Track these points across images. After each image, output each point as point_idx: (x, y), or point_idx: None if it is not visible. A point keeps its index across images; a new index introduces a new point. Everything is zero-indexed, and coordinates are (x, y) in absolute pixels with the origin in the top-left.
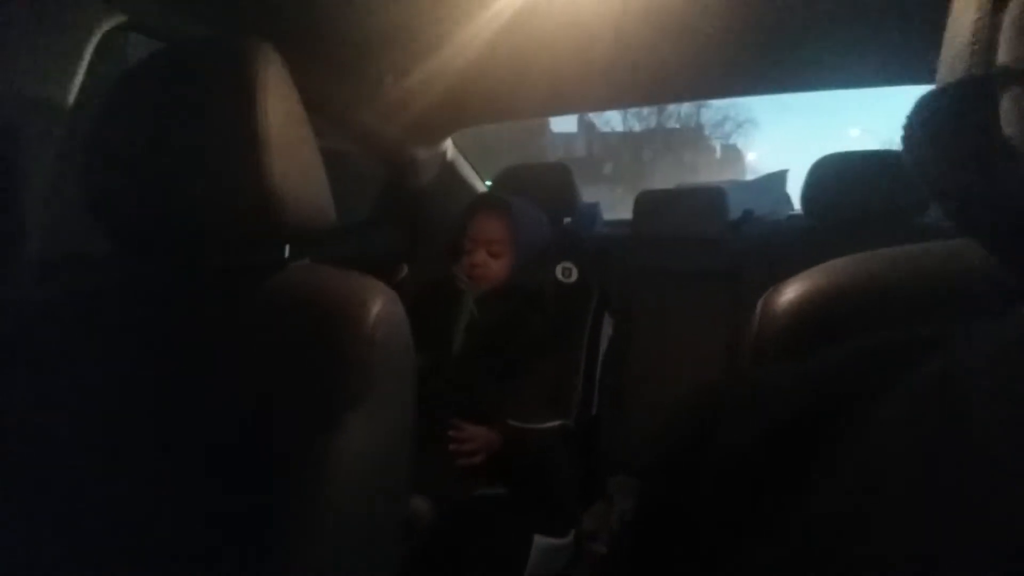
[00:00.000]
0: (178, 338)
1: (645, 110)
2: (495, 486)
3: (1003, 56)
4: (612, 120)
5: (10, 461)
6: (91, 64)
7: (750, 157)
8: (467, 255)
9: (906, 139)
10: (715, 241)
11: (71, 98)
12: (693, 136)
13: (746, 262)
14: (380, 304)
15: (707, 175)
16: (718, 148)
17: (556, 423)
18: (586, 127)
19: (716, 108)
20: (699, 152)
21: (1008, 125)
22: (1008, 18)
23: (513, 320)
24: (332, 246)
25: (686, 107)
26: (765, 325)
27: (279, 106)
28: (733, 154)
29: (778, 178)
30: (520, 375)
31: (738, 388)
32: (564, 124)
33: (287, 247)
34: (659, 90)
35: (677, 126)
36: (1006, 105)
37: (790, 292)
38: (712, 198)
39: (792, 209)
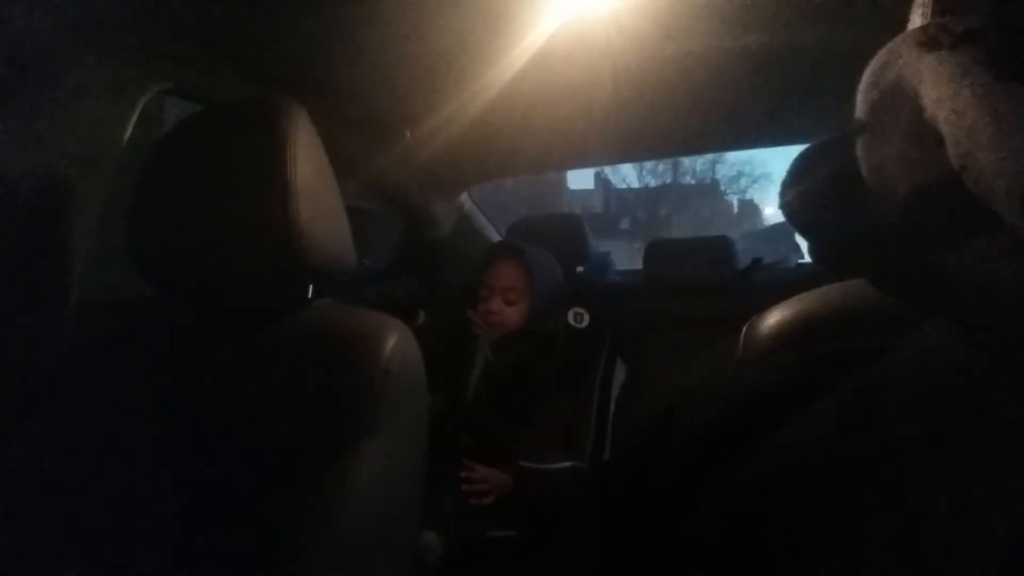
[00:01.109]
0: (207, 371)
1: (660, 166)
2: (506, 528)
3: (857, 112)
4: (628, 176)
5: (44, 493)
6: (135, 123)
7: (767, 211)
8: (483, 302)
9: (782, 198)
10: (725, 289)
11: (116, 154)
12: (709, 191)
13: (755, 309)
14: (395, 338)
15: (724, 230)
16: (735, 203)
17: (567, 464)
18: (602, 183)
19: (731, 164)
20: (715, 207)
21: (864, 170)
22: (861, 83)
23: (526, 364)
24: (355, 292)
25: (701, 163)
26: (748, 346)
27: (307, 159)
28: (750, 209)
29: (787, 227)
30: (533, 417)
31: (702, 388)
32: (581, 181)
33: (311, 288)
34: (673, 143)
35: (692, 182)
36: (861, 153)
37: (770, 319)
38: (721, 247)
39: (801, 257)
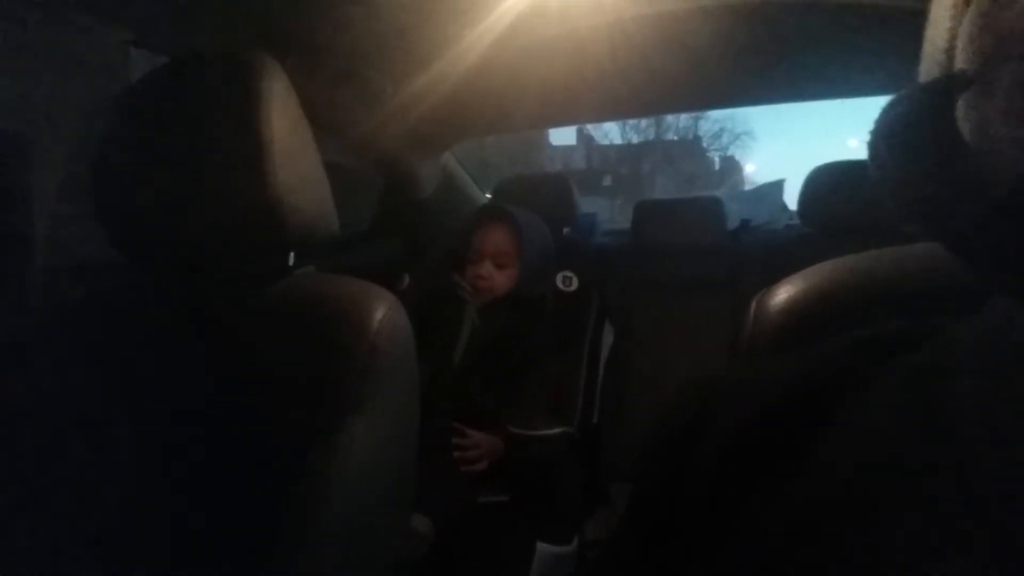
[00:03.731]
0: (183, 344)
1: (643, 123)
2: (497, 493)
3: (959, 62)
4: (611, 132)
5: (13, 466)
6: (97, 77)
7: (748, 169)
8: (472, 266)
9: (871, 147)
10: (713, 250)
11: (78, 110)
12: (691, 148)
13: (744, 270)
14: (384, 310)
15: (706, 187)
16: (716, 160)
17: (558, 430)
18: (585, 140)
19: (713, 120)
20: (697, 164)
21: (966, 129)
22: (963, 26)
23: (515, 328)
24: (335, 256)
25: (684, 120)
26: (759, 324)
27: (283, 117)
28: (731, 166)
29: (775, 188)
30: (522, 383)
31: (732, 378)
32: (563, 137)
33: (291, 255)
34: (656, 101)
35: (675, 138)
36: (961, 111)
37: (782, 293)
38: (710, 207)
39: (789, 218)
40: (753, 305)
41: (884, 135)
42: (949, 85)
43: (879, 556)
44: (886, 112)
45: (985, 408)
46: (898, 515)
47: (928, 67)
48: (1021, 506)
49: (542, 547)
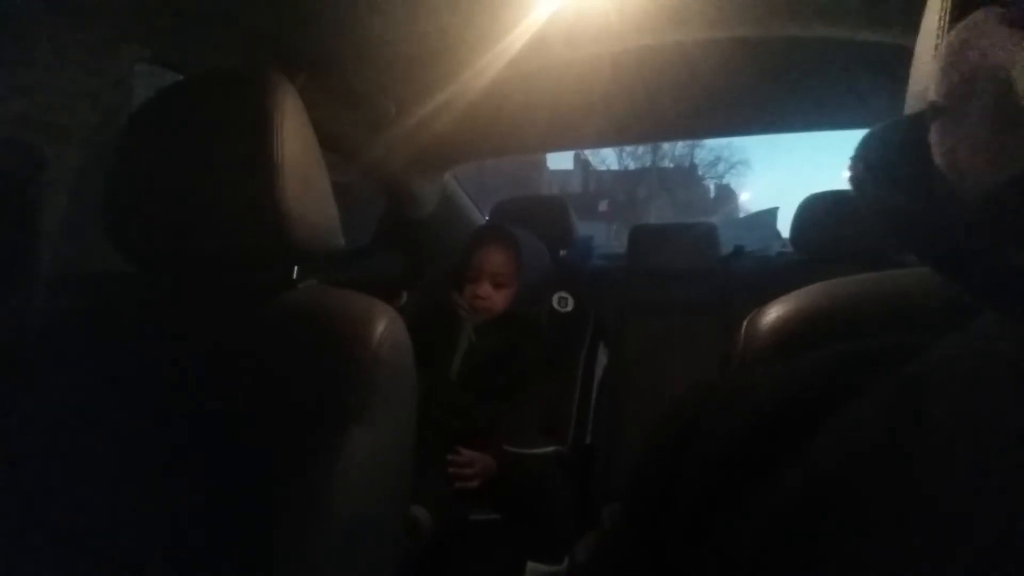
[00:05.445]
0: (187, 353)
1: (640, 149)
2: (489, 511)
3: (932, 93)
4: (607, 158)
5: (19, 473)
6: (108, 92)
7: (743, 197)
8: (471, 285)
9: (853, 171)
10: (707, 274)
11: (89, 124)
12: (687, 175)
13: (736, 294)
14: (385, 323)
15: (701, 213)
16: (712, 187)
17: (551, 449)
18: (582, 164)
19: (710, 148)
20: (693, 191)
21: (937, 155)
22: (937, 60)
23: (510, 347)
24: (336, 271)
25: (680, 147)
26: (749, 342)
27: (293, 134)
28: (726, 193)
29: (769, 215)
30: (516, 401)
31: (723, 384)
32: (560, 161)
33: (296, 268)
34: (655, 128)
35: (671, 165)
36: (934, 137)
37: (772, 312)
38: (704, 233)
39: (782, 245)
40: (744, 324)
41: (865, 164)
42: (923, 116)
43: (867, 554)
44: (866, 142)
45: (966, 415)
46: (885, 514)
47: (912, 102)
48: (997, 507)
49: (532, 566)
